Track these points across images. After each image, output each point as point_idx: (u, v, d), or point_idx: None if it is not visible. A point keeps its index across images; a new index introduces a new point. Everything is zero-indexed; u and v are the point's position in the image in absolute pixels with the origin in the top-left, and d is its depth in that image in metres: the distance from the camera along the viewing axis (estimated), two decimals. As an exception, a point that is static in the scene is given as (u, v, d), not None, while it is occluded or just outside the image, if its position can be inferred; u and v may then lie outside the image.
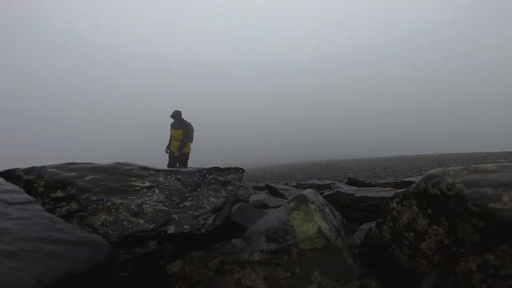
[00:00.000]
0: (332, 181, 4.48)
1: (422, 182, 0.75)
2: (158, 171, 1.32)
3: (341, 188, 2.95)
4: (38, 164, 1.15)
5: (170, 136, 6.40)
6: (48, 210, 0.93)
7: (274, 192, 3.13)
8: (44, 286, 0.49)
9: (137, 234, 0.94)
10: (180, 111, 6.20)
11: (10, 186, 0.96)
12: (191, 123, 6.43)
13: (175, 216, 1.06)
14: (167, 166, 5.89)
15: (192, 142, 6.57)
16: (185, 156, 6.34)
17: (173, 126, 6.28)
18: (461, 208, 0.64)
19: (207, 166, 1.47)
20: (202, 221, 1.09)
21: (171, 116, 6.14)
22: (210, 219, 1.12)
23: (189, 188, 1.25)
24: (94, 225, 0.92)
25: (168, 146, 6.48)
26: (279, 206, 1.16)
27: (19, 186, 1.06)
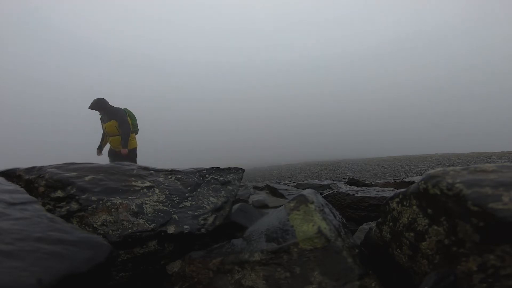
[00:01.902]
0: (332, 181, 4.48)
1: (422, 182, 0.75)
2: (158, 171, 1.32)
3: (341, 188, 2.95)
4: (38, 164, 1.15)
5: (103, 133, 5.04)
6: (49, 210, 0.93)
7: (274, 192, 3.13)
8: (44, 286, 0.49)
9: (137, 234, 0.94)
10: (102, 98, 4.75)
11: (11, 186, 0.96)
12: (127, 109, 4.98)
13: (175, 216, 1.06)
14: None
15: (137, 133, 5.12)
16: (132, 154, 4.93)
17: (102, 119, 4.89)
18: (461, 208, 0.64)
19: (207, 166, 1.47)
20: (202, 221, 1.09)
21: (90, 108, 4.69)
22: (210, 219, 1.12)
23: (189, 188, 1.25)
24: (94, 225, 0.92)
25: (100, 146, 5.12)
26: (279, 206, 1.16)
27: (20, 186, 1.06)
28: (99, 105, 4.71)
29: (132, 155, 4.88)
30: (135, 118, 5.05)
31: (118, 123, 4.70)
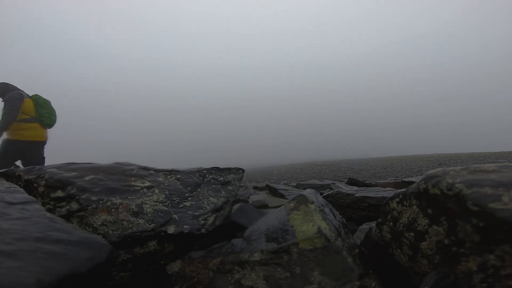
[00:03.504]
0: (332, 181, 4.49)
1: (422, 182, 0.75)
2: (158, 171, 1.32)
3: (341, 188, 2.95)
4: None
5: None
6: (49, 210, 0.93)
7: (274, 192, 3.14)
8: (44, 286, 0.49)
9: (137, 234, 0.94)
10: (3, 83, 3.93)
11: (11, 186, 0.96)
12: (37, 95, 4.12)
13: (175, 216, 1.06)
14: None
15: (47, 124, 4.11)
16: (30, 147, 3.88)
17: None
18: (461, 208, 0.64)
19: (207, 166, 1.47)
20: (202, 221, 1.09)
21: None
22: (210, 219, 1.12)
23: (189, 188, 1.25)
24: (94, 225, 0.92)
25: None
26: (279, 206, 1.16)
27: (20, 186, 1.06)
28: None
29: (30, 149, 3.89)
30: (49, 107, 4.16)
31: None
